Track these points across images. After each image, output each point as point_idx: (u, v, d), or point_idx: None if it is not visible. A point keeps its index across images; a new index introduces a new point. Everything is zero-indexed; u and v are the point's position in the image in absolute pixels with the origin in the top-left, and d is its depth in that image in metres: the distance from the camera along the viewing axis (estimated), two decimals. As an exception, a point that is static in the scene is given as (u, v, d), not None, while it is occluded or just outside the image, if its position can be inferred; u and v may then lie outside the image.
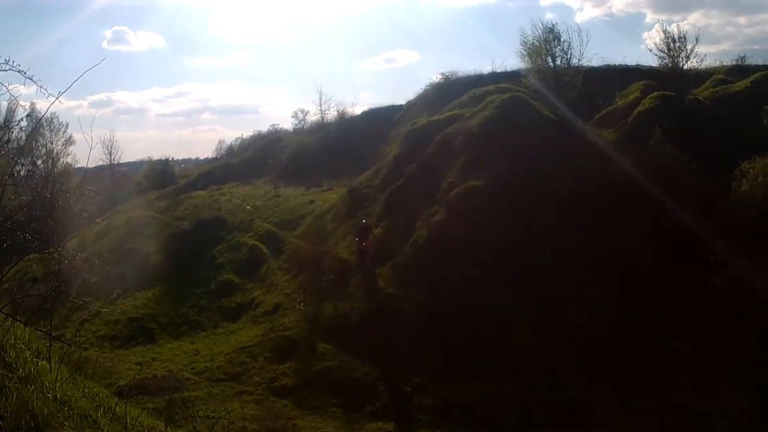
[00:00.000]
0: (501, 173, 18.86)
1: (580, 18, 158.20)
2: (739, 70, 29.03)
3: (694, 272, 16.00)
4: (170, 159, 48.08)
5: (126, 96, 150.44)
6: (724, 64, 31.37)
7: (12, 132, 20.85)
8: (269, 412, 13.84)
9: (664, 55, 25.93)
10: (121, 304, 21.86)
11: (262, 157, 40.36)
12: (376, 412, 13.57)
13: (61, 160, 41.40)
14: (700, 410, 12.19)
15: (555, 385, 13.33)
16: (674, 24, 57.11)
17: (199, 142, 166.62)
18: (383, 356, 15.02)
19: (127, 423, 3.99)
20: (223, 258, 23.69)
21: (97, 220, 23.58)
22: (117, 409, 4.12)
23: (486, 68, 35.30)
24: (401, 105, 37.54)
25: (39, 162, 38.50)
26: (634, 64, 31.38)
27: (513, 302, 15.54)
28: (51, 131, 41.02)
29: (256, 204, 28.22)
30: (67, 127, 41.72)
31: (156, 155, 49.50)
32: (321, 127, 42.03)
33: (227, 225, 26.05)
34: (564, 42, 25.66)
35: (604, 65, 30.39)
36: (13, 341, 3.99)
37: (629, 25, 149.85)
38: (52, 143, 41.15)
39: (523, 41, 26.31)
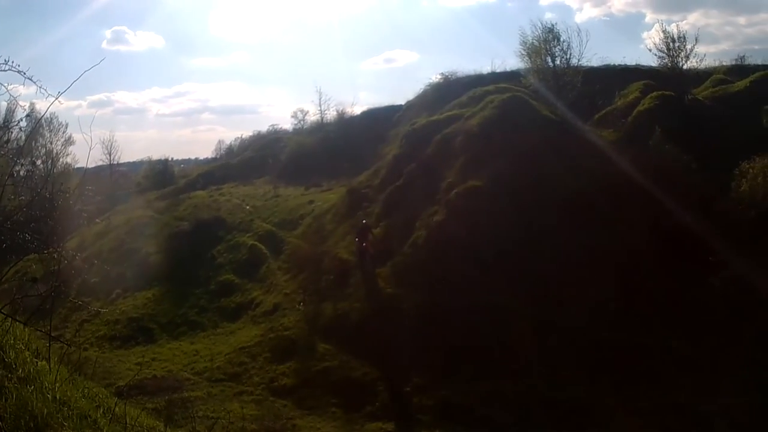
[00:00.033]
0: (501, 173, 18.85)
1: (579, 18, 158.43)
2: (739, 70, 29.09)
3: (694, 272, 16.00)
4: (170, 159, 48.15)
5: (126, 96, 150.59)
6: (724, 64, 31.52)
7: (11, 132, 20.93)
8: (269, 412, 13.82)
9: (664, 55, 26.03)
10: (120, 304, 21.87)
11: (262, 157, 40.30)
12: (375, 412, 13.56)
13: (61, 160, 41.48)
14: (700, 410, 12.19)
15: (555, 385, 13.33)
16: (674, 24, 57.34)
17: (198, 142, 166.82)
18: (383, 356, 15.01)
19: (126, 423, 3.99)
20: (223, 258, 23.68)
21: (97, 220, 23.61)
22: (116, 409, 4.11)
23: (485, 68, 35.23)
24: (401, 105, 37.51)
25: (38, 162, 38.52)
26: (633, 64, 31.46)
27: (513, 302, 15.53)
28: (50, 131, 41.04)
29: (255, 204, 28.20)
30: (66, 127, 41.78)
31: (156, 155, 49.46)
32: (320, 127, 41.94)
33: (227, 225, 26.04)
34: (563, 42, 25.75)
35: (604, 65, 30.43)
36: (12, 341, 3.98)
37: (629, 25, 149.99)
38: (51, 143, 41.18)
39: (523, 41, 26.40)
